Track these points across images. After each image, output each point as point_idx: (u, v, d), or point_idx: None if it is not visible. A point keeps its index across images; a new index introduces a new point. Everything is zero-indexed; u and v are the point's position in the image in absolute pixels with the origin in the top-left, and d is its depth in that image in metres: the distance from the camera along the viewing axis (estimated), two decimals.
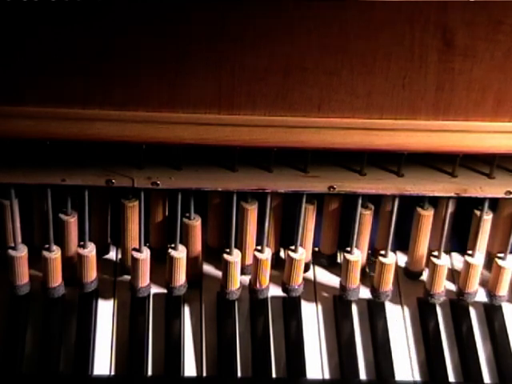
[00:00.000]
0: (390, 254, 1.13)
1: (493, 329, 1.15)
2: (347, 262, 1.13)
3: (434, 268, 1.13)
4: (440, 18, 0.93)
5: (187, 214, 1.11)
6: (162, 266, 1.13)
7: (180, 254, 1.11)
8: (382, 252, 1.13)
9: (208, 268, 1.19)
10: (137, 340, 1.10)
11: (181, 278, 1.12)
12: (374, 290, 1.15)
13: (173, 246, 1.11)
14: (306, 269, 1.18)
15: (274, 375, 1.09)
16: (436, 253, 1.13)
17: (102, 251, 1.17)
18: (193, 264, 1.14)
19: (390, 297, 1.16)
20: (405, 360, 1.12)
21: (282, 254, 1.19)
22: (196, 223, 1.11)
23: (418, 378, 1.10)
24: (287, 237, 1.15)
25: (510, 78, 0.97)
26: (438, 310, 1.17)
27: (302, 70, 0.96)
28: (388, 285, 1.14)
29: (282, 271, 1.15)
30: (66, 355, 1.09)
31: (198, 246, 1.13)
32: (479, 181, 1.08)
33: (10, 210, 1.08)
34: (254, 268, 1.13)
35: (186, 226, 1.11)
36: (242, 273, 1.15)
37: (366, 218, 1.13)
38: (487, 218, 1.13)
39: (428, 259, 1.15)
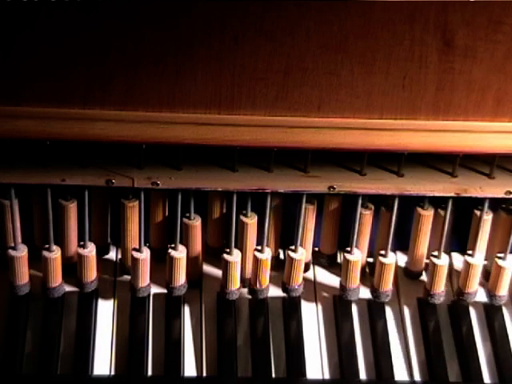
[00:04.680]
0: (390, 254, 1.13)
1: (493, 329, 1.15)
2: (347, 261, 1.13)
3: (434, 268, 1.13)
4: (440, 17, 0.93)
5: (187, 214, 1.11)
6: (162, 266, 1.13)
7: (180, 254, 1.11)
8: (382, 252, 1.13)
9: (208, 268, 1.19)
10: (137, 340, 1.10)
11: (181, 278, 1.12)
12: (374, 290, 1.15)
13: (173, 246, 1.11)
14: (306, 269, 1.18)
15: (273, 375, 1.09)
16: (436, 253, 1.13)
17: (102, 251, 1.17)
18: (193, 264, 1.14)
19: (389, 297, 1.16)
20: (405, 360, 1.12)
21: (281, 254, 1.20)
22: (196, 223, 1.11)
23: (417, 378, 1.11)
24: (287, 237, 1.15)
25: (510, 78, 0.97)
26: (438, 309, 1.17)
27: (301, 70, 0.96)
28: (388, 285, 1.14)
29: (282, 271, 1.15)
30: (66, 355, 1.09)
31: (198, 246, 1.13)
32: (479, 181, 1.08)
33: (10, 210, 1.08)
34: (253, 268, 1.13)
35: (186, 226, 1.11)
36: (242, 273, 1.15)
37: (365, 218, 1.13)
38: (487, 218, 1.13)
39: (428, 259, 1.15)
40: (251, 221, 1.11)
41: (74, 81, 0.96)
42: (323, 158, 1.06)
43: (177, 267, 1.11)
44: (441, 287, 1.14)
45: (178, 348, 1.10)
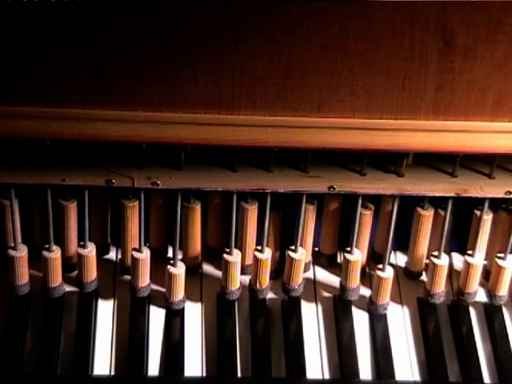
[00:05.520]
0: (388, 268, 1.13)
1: (493, 329, 1.15)
2: (347, 261, 1.13)
3: (433, 268, 1.13)
4: (440, 17, 0.93)
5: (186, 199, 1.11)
6: (162, 266, 1.13)
7: (179, 270, 1.11)
8: (380, 266, 1.13)
9: (208, 268, 1.19)
10: (137, 340, 1.10)
11: (179, 293, 1.12)
12: (372, 303, 1.15)
13: (172, 262, 1.11)
14: (306, 269, 1.18)
15: (273, 375, 1.09)
16: (436, 253, 1.13)
17: (102, 251, 1.17)
18: (191, 249, 1.15)
19: (388, 306, 1.16)
20: (405, 360, 1.12)
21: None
22: (196, 207, 1.11)
23: (417, 378, 1.10)
24: (287, 237, 1.15)
25: (510, 78, 0.97)
26: (438, 310, 1.17)
27: (302, 70, 0.96)
28: (385, 298, 1.14)
29: (281, 271, 1.15)
30: (66, 355, 1.09)
31: (197, 230, 1.13)
32: (479, 181, 1.08)
33: (10, 210, 1.08)
34: (253, 268, 1.13)
35: (186, 210, 1.11)
36: (242, 273, 1.15)
37: (365, 218, 1.13)
38: (487, 218, 1.13)
39: (428, 259, 1.15)
40: (251, 207, 1.11)
41: (74, 81, 0.96)
42: (323, 158, 1.06)
43: (175, 283, 1.11)
44: (441, 287, 1.14)
45: (178, 348, 1.10)
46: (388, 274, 1.13)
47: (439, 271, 1.13)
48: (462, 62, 0.96)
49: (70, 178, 1.04)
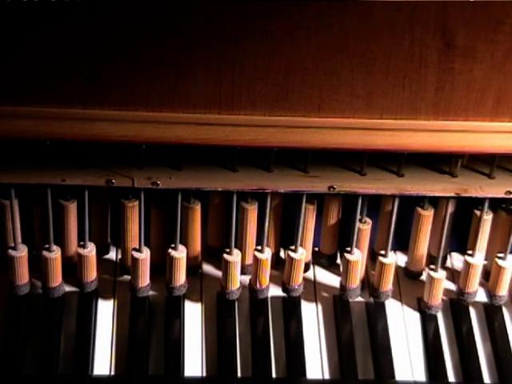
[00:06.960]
0: (390, 253, 1.13)
1: (493, 329, 1.15)
2: (347, 261, 1.13)
3: (431, 281, 1.13)
4: (440, 17, 0.93)
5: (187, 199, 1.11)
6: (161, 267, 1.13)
7: (180, 253, 1.11)
8: (382, 252, 1.13)
9: (208, 268, 1.19)
10: (137, 340, 1.10)
11: (181, 277, 1.12)
12: (374, 290, 1.15)
13: (173, 245, 1.11)
14: (306, 269, 1.18)
15: (274, 375, 1.09)
16: (433, 266, 1.14)
17: (102, 251, 1.17)
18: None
19: (390, 297, 1.16)
20: (405, 360, 1.12)
21: (282, 254, 1.20)
22: (196, 206, 1.11)
23: (417, 378, 1.10)
24: (287, 237, 1.15)
25: (510, 78, 0.97)
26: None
27: (302, 70, 0.96)
28: (388, 285, 1.14)
29: (282, 271, 1.15)
30: (66, 355, 1.09)
31: (197, 230, 1.13)
32: (479, 181, 1.08)
33: (10, 210, 1.08)
34: (253, 268, 1.13)
35: (186, 209, 1.11)
36: (242, 273, 1.15)
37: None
38: (487, 217, 1.13)
39: (427, 260, 1.16)
40: (251, 207, 1.11)
41: (74, 81, 0.96)
42: (323, 158, 1.06)
43: (177, 267, 1.11)
44: (438, 300, 1.15)
45: (178, 348, 1.10)
46: (390, 260, 1.13)
47: (437, 283, 1.13)
48: (462, 62, 0.96)
49: (70, 177, 1.04)
